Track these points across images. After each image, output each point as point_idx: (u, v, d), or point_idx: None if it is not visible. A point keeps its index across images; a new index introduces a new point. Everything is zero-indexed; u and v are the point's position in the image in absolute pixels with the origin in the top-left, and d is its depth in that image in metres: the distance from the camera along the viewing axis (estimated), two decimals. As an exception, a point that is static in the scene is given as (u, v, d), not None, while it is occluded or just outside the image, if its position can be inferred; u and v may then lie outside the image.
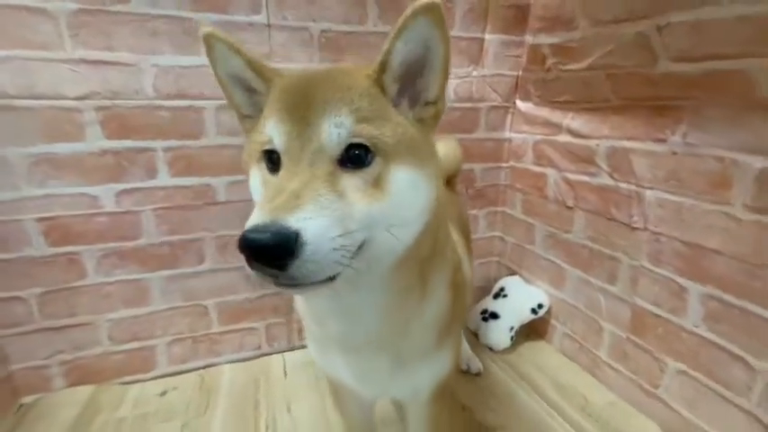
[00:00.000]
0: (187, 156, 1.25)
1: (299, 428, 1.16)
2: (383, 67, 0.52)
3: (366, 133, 0.48)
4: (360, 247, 0.47)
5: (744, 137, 0.85)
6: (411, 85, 0.55)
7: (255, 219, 0.41)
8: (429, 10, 0.48)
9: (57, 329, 1.25)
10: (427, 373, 0.70)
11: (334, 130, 0.47)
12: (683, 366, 1.07)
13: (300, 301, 0.68)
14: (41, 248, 1.18)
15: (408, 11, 0.49)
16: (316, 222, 0.41)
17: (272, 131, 0.50)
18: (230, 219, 1.35)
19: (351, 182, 0.47)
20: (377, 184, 0.49)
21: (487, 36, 1.48)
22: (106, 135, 1.15)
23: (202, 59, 1.17)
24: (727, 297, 0.94)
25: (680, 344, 1.07)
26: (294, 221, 0.40)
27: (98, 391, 1.30)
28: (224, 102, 1.24)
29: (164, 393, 1.32)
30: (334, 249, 0.42)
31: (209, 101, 1.22)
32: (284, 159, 0.49)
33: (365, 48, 1.34)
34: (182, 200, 1.28)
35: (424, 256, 0.59)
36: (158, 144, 1.21)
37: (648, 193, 1.09)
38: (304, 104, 0.49)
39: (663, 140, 1.02)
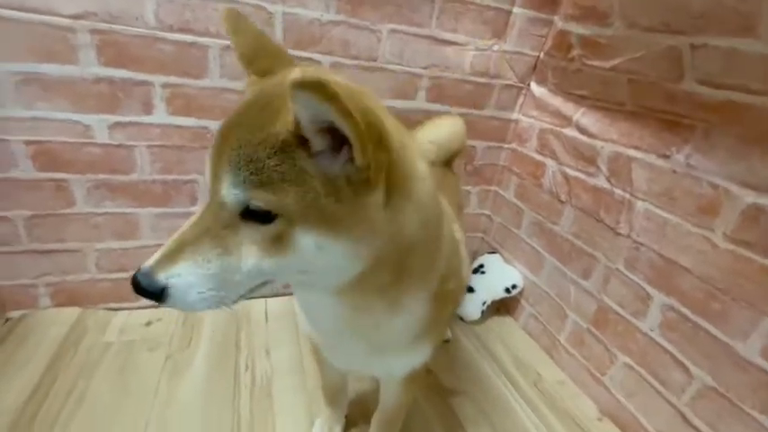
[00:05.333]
0: (186, 95, 1.19)
1: (276, 372, 1.25)
2: (297, 121, 0.44)
3: (263, 199, 0.46)
4: (264, 284, 0.53)
5: (742, 170, 0.88)
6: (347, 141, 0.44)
7: (148, 261, 0.48)
8: (305, 87, 0.37)
9: (44, 252, 1.26)
10: (401, 363, 0.74)
11: (232, 192, 0.47)
12: (630, 361, 1.19)
13: None
14: (29, 172, 1.15)
15: (288, 81, 0.37)
16: (182, 280, 0.48)
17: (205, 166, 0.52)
18: (226, 165, 1.33)
19: (249, 235, 0.49)
20: (278, 240, 0.48)
21: (516, 9, 1.39)
22: (102, 62, 1.08)
23: (211, -8, 1.09)
24: (685, 311, 1.03)
25: (633, 342, 1.17)
26: (164, 278, 0.47)
27: (84, 314, 1.35)
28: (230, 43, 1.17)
29: (149, 324, 1.38)
30: (203, 299, 0.49)
31: (214, 39, 1.14)
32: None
33: (385, 4, 1.25)
34: (178, 140, 1.24)
35: (386, 284, 0.57)
36: (157, 78, 1.15)
37: (639, 203, 1.12)
38: (219, 152, 0.48)
39: (667, 157, 1.04)
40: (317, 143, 0.45)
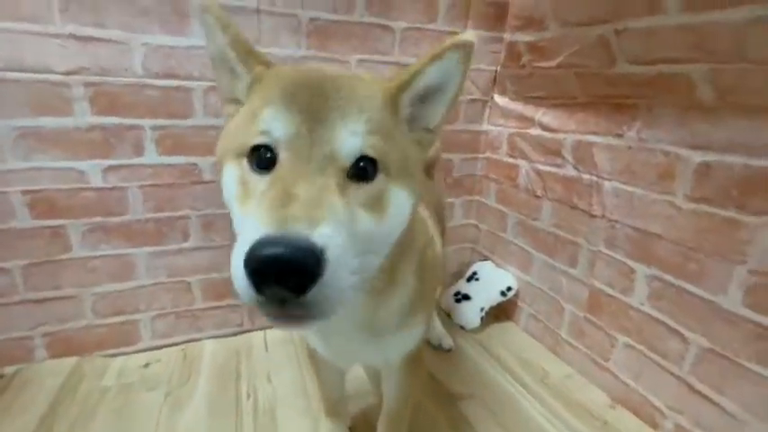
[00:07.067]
0: (174, 135, 1.28)
1: (279, 397, 1.23)
2: (405, 85, 0.53)
3: (377, 147, 0.46)
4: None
5: (686, 134, 0.96)
6: (419, 109, 0.57)
7: (265, 228, 0.35)
8: (465, 47, 0.52)
9: (40, 302, 1.27)
10: (396, 346, 0.76)
11: (351, 138, 0.45)
12: (629, 340, 1.19)
13: None
14: (26, 221, 1.19)
15: (448, 42, 0.52)
16: (338, 240, 0.36)
17: (273, 121, 0.45)
18: (216, 198, 1.39)
19: (356, 196, 0.45)
20: (377, 202, 0.47)
21: (468, 31, 1.55)
22: (94, 111, 1.17)
23: (191, 40, 1.21)
24: (667, 277, 1.06)
25: (628, 320, 1.19)
26: (318, 236, 0.35)
27: (81, 363, 1.33)
28: (212, 84, 1.28)
29: (147, 365, 1.36)
30: (353, 273, 0.38)
31: (197, 82, 1.25)
32: (285, 155, 0.44)
33: (351, 38, 1.39)
34: (168, 178, 1.31)
35: (392, 255, 0.57)
36: (146, 122, 1.24)
37: (607, 183, 1.19)
38: (318, 100, 0.45)
39: (620, 135, 1.12)
40: (404, 111, 0.55)
